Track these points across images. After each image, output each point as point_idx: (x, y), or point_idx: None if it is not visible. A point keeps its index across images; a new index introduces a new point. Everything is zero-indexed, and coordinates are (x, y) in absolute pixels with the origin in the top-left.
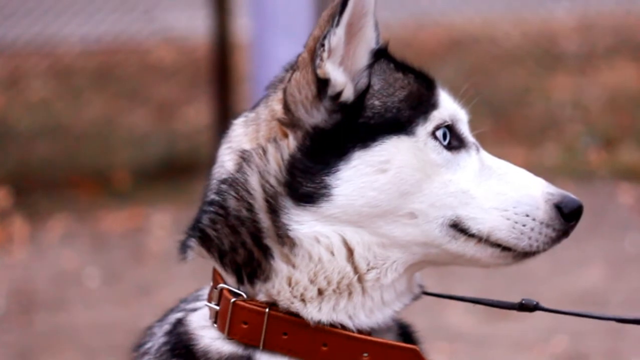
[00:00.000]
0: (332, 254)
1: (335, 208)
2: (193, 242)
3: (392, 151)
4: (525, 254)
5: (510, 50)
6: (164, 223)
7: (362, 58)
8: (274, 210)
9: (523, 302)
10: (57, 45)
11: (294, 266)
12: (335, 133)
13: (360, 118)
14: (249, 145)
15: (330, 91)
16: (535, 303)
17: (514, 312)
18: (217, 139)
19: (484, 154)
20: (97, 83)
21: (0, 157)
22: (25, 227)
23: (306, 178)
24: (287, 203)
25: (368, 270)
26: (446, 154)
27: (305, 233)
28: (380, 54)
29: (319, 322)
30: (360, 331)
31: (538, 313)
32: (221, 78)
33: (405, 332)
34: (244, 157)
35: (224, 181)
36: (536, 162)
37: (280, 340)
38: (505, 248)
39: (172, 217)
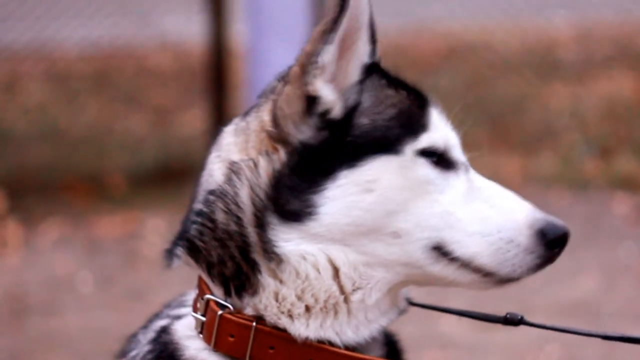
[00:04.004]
0: (319, 272)
1: (321, 227)
2: (180, 251)
3: (379, 170)
4: (508, 280)
5: (508, 59)
6: (158, 228)
7: (354, 74)
8: (261, 225)
9: (508, 316)
10: (53, 49)
11: (281, 282)
12: (322, 150)
13: (348, 136)
14: (239, 156)
15: (319, 108)
16: (519, 317)
17: None
18: (213, 145)
19: (472, 174)
20: (93, 87)
21: None
22: (19, 231)
23: (293, 195)
24: (273, 219)
25: (354, 290)
26: (435, 172)
27: (291, 250)
28: (373, 69)
29: (306, 338)
30: (347, 347)
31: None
32: (217, 83)
33: (390, 341)
34: (233, 169)
35: (212, 192)
36: (532, 170)
37: (266, 354)
38: (487, 273)
39: (167, 223)
